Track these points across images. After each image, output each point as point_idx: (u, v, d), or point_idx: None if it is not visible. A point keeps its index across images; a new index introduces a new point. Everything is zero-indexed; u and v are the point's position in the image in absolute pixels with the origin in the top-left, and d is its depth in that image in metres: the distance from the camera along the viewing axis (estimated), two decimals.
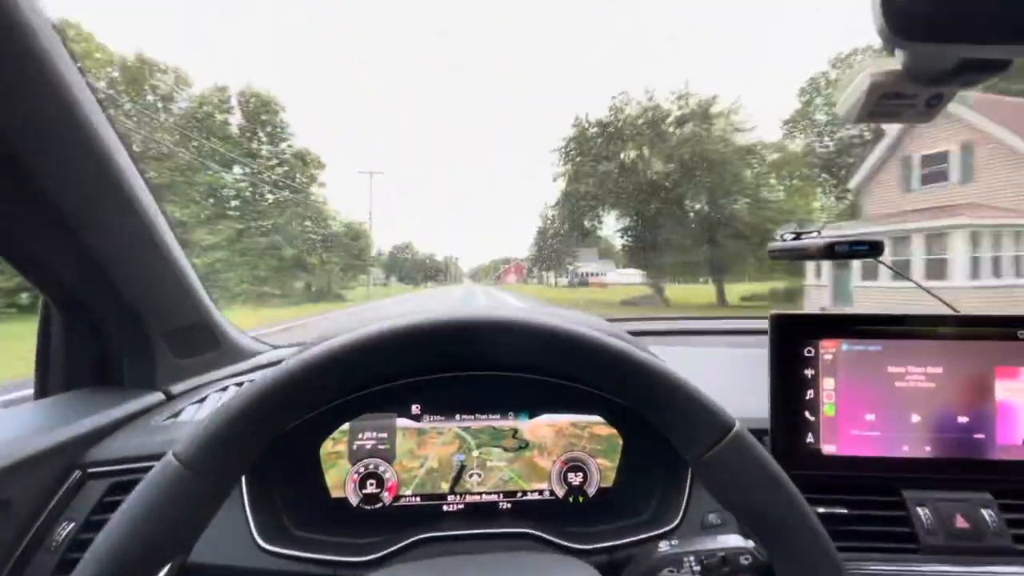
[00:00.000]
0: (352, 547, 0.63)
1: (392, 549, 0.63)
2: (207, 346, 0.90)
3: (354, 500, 0.69)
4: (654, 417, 0.39)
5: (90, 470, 0.63)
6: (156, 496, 0.33)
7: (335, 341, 0.37)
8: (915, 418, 0.66)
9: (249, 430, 0.35)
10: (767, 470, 0.38)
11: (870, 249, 0.91)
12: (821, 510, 0.64)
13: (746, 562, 0.48)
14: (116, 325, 0.77)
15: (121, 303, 0.73)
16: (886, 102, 0.48)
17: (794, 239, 1.05)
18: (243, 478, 0.61)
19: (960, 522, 0.63)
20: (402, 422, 0.71)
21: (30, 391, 0.81)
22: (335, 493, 0.69)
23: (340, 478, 0.69)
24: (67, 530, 0.59)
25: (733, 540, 0.50)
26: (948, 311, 0.77)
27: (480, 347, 0.40)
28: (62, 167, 0.58)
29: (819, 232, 1.01)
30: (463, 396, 0.72)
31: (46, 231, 0.62)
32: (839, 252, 0.91)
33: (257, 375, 0.91)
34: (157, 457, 0.35)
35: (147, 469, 0.35)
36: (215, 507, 0.35)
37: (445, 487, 0.71)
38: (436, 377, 0.70)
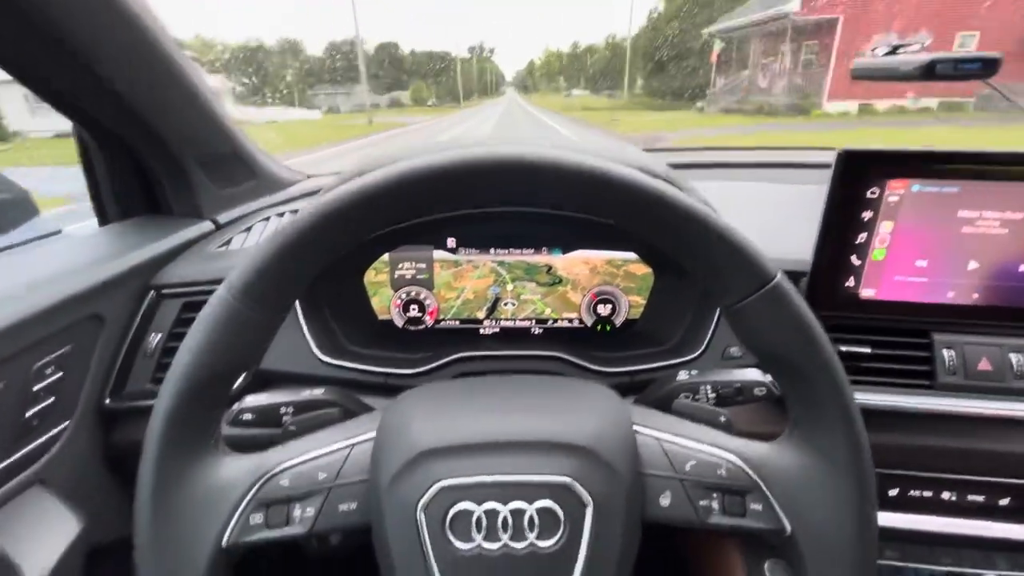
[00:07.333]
0: (399, 361, 0.71)
1: (436, 364, 0.70)
2: (243, 176, 0.93)
3: (399, 322, 0.76)
4: (690, 263, 0.38)
5: (163, 291, 0.70)
6: (212, 330, 0.36)
7: (374, 175, 0.36)
8: (972, 265, 0.62)
9: (293, 264, 0.36)
10: (796, 316, 0.36)
11: (983, 67, 0.75)
12: (843, 348, 0.66)
13: (760, 394, 0.51)
14: (150, 154, 0.79)
15: (149, 131, 0.74)
16: None
17: (888, 54, 0.88)
18: (297, 303, 0.67)
19: (984, 364, 0.64)
20: (439, 254, 0.73)
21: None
22: (382, 316, 0.76)
23: (385, 303, 0.75)
24: (157, 340, 0.68)
25: (751, 374, 0.53)
26: None
27: (514, 187, 0.38)
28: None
29: (924, 46, 0.83)
30: (497, 230, 0.72)
31: (67, 65, 0.62)
32: (941, 72, 0.76)
33: (300, 205, 0.94)
34: (218, 281, 0.37)
35: (211, 291, 0.38)
36: (269, 335, 0.38)
37: (481, 315, 0.76)
38: (470, 212, 0.69)
